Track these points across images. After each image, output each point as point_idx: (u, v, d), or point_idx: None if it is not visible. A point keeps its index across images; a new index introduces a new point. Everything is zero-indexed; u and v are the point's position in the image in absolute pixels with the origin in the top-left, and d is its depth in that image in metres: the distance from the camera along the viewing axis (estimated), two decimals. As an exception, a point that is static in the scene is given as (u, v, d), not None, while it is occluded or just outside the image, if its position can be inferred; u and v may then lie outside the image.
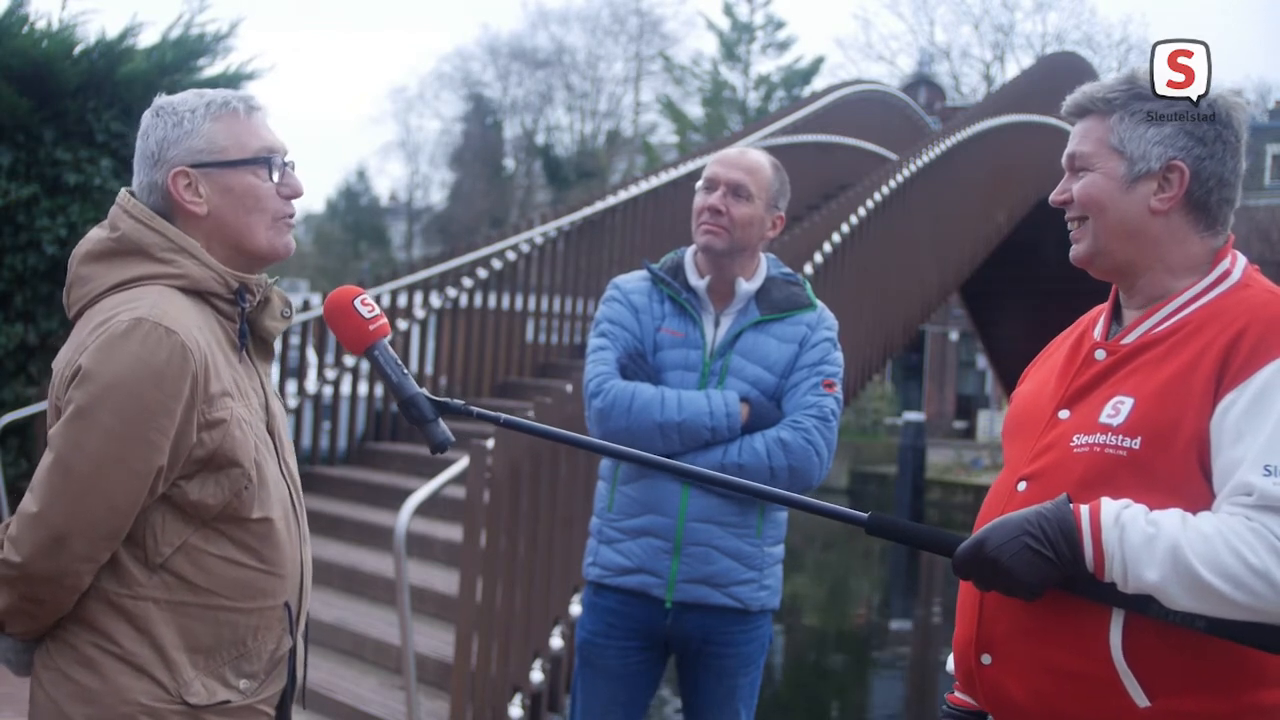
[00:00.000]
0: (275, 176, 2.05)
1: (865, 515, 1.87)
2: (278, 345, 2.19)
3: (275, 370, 2.16)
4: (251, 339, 2.11)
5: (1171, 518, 1.69)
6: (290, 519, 2.07)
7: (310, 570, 2.15)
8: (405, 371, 2.00)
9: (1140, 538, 1.68)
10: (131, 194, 2.05)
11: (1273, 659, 1.72)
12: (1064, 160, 1.94)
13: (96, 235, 2.03)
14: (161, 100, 2.07)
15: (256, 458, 1.99)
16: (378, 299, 7.98)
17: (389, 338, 2.04)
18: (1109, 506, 1.72)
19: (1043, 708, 1.80)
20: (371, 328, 2.00)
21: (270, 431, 2.08)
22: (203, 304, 2.01)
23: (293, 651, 2.08)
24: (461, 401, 1.96)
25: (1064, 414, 1.88)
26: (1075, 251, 1.93)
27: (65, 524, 1.85)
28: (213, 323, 2.01)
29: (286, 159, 2.08)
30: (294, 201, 2.10)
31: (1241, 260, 1.89)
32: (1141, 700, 1.73)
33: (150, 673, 1.91)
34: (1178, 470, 1.74)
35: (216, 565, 1.96)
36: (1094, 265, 1.92)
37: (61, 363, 1.94)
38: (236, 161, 2.02)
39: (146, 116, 2.07)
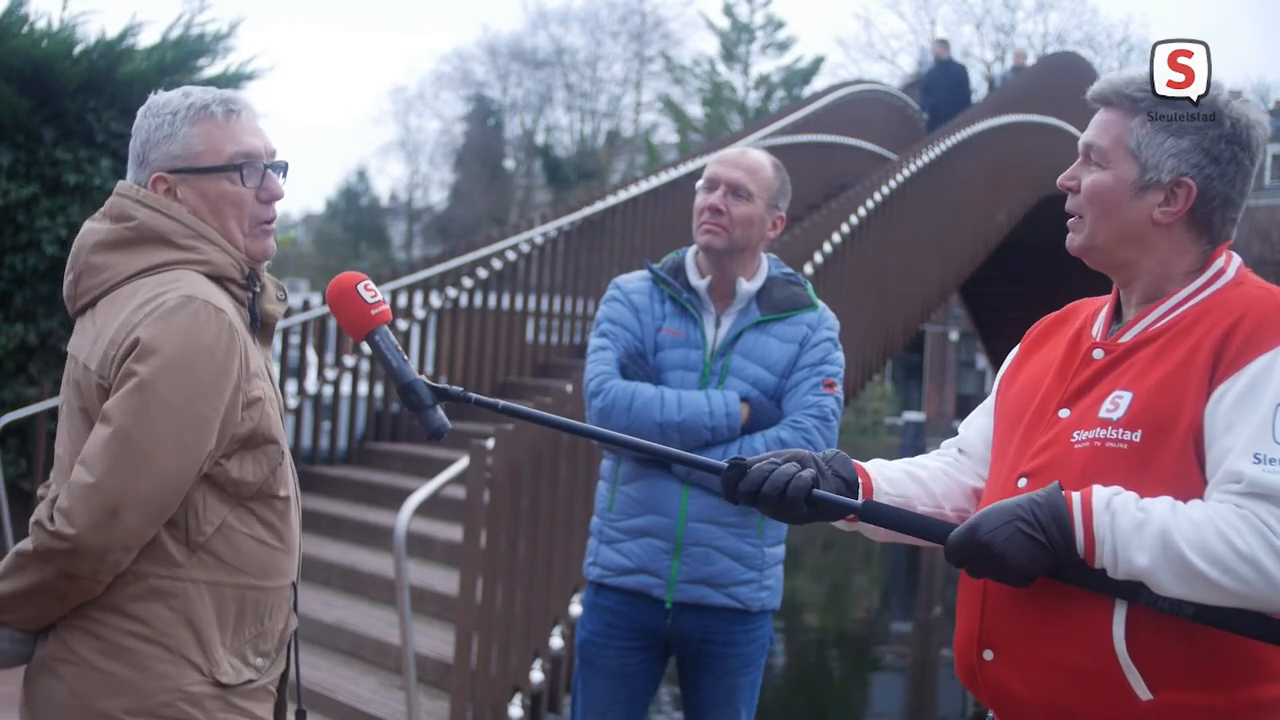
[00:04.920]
0: (252, 181, 2.05)
1: (859, 503, 1.88)
2: (277, 343, 2.22)
3: (275, 369, 2.18)
4: None
5: (1161, 504, 1.70)
6: (296, 498, 2.12)
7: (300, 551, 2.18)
8: (405, 358, 2.01)
9: (1130, 523, 1.69)
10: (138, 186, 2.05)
11: (1275, 652, 1.72)
12: (1080, 146, 1.95)
13: (104, 226, 2.03)
14: (153, 98, 2.08)
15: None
16: (378, 299, 7.98)
17: (390, 324, 2.05)
18: (1100, 492, 1.73)
19: (1045, 702, 1.81)
20: (373, 313, 2.00)
21: None
22: (223, 289, 2.03)
23: (294, 632, 2.11)
24: (460, 388, 1.98)
25: (1064, 413, 1.89)
26: (1071, 240, 1.94)
27: (121, 496, 1.85)
28: (233, 306, 2.03)
29: (270, 161, 2.07)
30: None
31: (1236, 259, 1.91)
32: (1144, 693, 1.74)
33: (188, 656, 1.92)
34: (1176, 463, 1.75)
35: (247, 544, 1.99)
36: (1089, 258, 1.94)
37: (104, 341, 1.92)
38: (211, 168, 2.02)
39: (139, 113, 2.08)
